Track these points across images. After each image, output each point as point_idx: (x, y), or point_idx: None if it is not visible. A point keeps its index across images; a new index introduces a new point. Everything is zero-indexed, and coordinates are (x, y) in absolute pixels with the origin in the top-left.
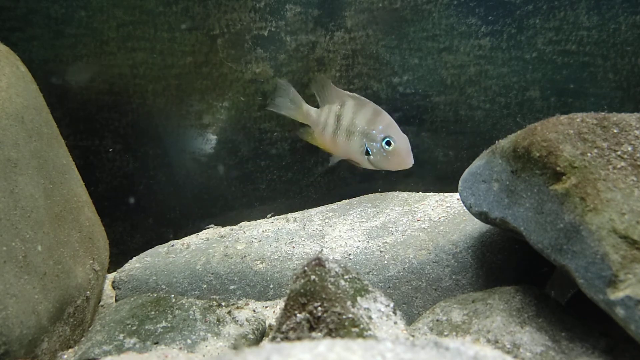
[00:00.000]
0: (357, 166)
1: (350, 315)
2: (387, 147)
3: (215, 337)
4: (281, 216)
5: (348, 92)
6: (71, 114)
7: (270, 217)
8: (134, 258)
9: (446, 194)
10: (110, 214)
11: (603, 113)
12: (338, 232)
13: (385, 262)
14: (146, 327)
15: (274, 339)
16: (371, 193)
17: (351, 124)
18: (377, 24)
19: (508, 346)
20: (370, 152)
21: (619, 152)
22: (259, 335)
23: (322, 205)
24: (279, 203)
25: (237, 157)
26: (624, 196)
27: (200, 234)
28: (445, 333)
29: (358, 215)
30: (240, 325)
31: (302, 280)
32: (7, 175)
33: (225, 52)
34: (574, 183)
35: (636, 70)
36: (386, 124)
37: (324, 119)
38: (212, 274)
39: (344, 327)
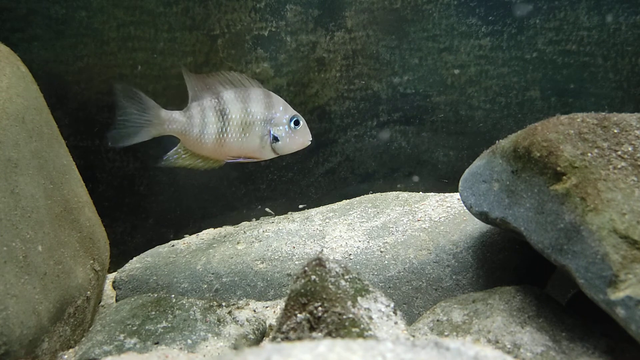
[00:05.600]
0: (251, 162)
1: (350, 316)
2: (295, 127)
3: (215, 337)
4: (281, 216)
5: (219, 76)
6: (71, 114)
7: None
8: (135, 258)
9: (447, 194)
10: (111, 214)
11: (603, 113)
12: (338, 232)
13: (386, 262)
14: (147, 327)
15: (274, 339)
16: (371, 193)
17: (246, 114)
18: (378, 24)
19: (508, 346)
20: (278, 139)
21: (619, 152)
22: (260, 335)
23: (322, 205)
24: (279, 203)
25: None
26: (624, 196)
27: (200, 234)
28: (446, 333)
29: (358, 216)
30: (241, 326)
31: (303, 280)
32: (8, 175)
33: (226, 52)
34: (574, 183)
35: (636, 70)
36: (282, 103)
37: (198, 120)
38: (212, 274)
39: (344, 327)
